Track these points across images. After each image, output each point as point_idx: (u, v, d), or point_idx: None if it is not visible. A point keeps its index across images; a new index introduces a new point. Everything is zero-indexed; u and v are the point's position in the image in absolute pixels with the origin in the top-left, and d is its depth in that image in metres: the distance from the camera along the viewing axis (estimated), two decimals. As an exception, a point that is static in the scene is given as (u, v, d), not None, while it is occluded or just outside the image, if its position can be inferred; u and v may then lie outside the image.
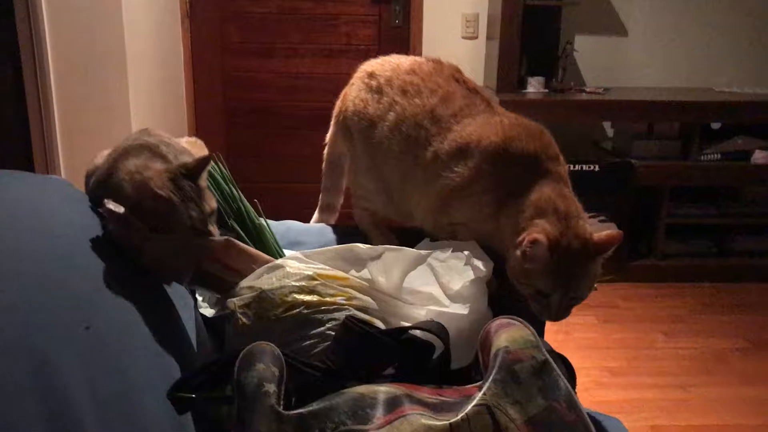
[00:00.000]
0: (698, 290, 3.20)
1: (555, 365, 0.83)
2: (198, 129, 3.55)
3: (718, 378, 2.47)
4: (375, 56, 1.45)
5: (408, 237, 1.35)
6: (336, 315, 1.03)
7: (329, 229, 1.51)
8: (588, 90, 3.40)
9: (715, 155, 3.26)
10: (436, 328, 0.87)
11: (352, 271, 1.11)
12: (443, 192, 1.25)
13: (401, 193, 1.36)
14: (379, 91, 1.33)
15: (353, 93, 1.39)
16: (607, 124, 3.67)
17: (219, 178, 1.37)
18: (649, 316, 2.95)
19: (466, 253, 1.18)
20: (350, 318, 0.86)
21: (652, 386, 2.40)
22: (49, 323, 0.81)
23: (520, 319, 0.87)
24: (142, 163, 0.96)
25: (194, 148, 1.40)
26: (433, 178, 1.26)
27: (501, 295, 1.19)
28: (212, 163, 1.39)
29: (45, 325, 0.80)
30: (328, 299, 1.07)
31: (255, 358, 0.79)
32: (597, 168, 3.19)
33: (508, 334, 0.82)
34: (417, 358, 0.87)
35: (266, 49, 3.50)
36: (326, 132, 1.55)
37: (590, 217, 1.20)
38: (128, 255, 1.11)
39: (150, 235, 1.10)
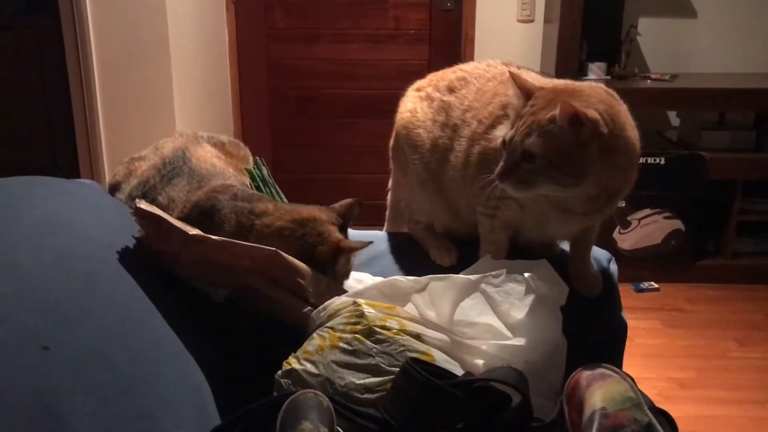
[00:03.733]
0: (773, 293, 2.97)
1: (660, 427, 0.69)
2: (243, 118, 3.47)
3: (801, 394, 2.26)
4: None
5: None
6: (389, 345, 0.91)
7: (382, 236, 1.38)
8: (653, 77, 3.18)
9: (794, 147, 3.01)
10: (514, 378, 0.73)
11: (396, 309, 0.99)
12: (479, 156, 1.15)
13: (465, 198, 1.23)
14: (428, 98, 1.28)
15: (402, 107, 1.33)
16: (671, 113, 3.43)
17: (260, 182, 1.27)
18: (720, 321, 2.74)
19: (526, 275, 1.04)
20: (411, 363, 0.73)
21: (726, 401, 2.21)
22: (65, 367, 0.70)
23: (615, 369, 0.73)
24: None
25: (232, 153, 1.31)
26: (472, 150, 1.17)
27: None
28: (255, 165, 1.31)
29: (59, 370, 0.70)
30: (378, 322, 0.95)
31: (300, 414, 0.67)
32: (662, 161, 2.98)
33: (603, 390, 0.68)
34: (490, 411, 0.74)
35: (312, 35, 3.38)
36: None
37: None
38: (161, 264, 1.02)
39: (191, 236, 1.01)
